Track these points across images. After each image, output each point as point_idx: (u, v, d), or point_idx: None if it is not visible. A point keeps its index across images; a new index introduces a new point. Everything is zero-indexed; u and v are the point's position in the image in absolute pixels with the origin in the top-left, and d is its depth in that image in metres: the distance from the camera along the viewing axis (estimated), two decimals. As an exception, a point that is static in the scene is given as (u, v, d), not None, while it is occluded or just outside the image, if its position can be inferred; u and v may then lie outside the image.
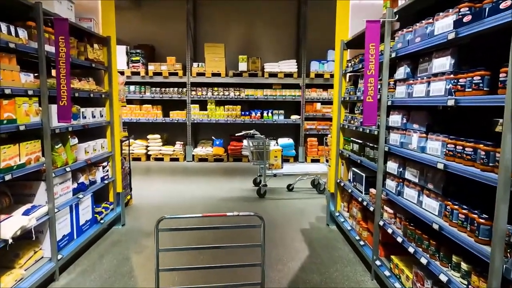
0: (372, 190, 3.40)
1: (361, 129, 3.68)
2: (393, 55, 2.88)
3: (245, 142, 8.94)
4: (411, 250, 2.55)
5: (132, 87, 9.29)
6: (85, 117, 3.82)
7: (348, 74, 4.40)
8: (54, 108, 3.11)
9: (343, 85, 4.40)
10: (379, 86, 3.02)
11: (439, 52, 2.34)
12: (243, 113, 9.31)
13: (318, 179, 6.59)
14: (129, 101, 9.50)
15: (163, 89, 9.31)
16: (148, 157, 9.33)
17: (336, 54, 4.43)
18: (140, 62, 9.10)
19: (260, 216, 2.52)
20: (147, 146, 9.34)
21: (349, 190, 4.03)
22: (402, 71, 2.81)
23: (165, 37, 9.68)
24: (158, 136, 9.39)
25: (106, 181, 4.31)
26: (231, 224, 2.66)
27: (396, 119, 2.87)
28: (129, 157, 5.55)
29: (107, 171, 4.36)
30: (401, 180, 2.83)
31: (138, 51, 9.11)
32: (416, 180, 2.58)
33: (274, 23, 9.75)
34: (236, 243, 2.81)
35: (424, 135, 2.51)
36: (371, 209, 3.34)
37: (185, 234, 4.16)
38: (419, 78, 2.57)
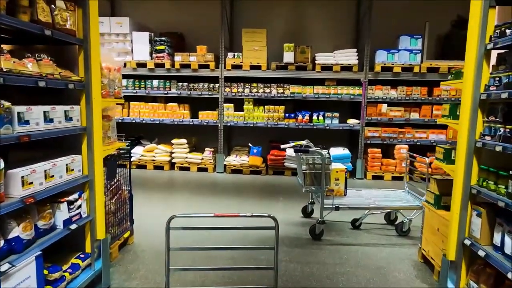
0: None
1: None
2: None
3: (288, 151, 7.10)
4: None
5: (155, 82, 7.78)
6: (26, 122, 2.19)
7: (496, 52, 2.45)
8: None
9: (484, 72, 2.44)
10: None
11: None
12: (287, 115, 7.48)
13: (396, 213, 4.64)
14: (153, 99, 8.09)
15: (191, 84, 7.70)
16: (172, 165, 7.78)
17: (473, 16, 2.48)
18: (166, 52, 7.54)
19: (273, 217, 2.47)
20: (172, 153, 7.79)
21: (508, 273, 2.08)
22: None
23: (195, 23, 8.06)
24: (184, 141, 7.78)
25: (76, 224, 2.67)
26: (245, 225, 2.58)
27: None
28: (130, 176, 3.92)
29: (79, 207, 2.73)
30: None
31: (163, 38, 7.57)
32: None
33: (328, 2, 7.81)
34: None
35: None
36: None
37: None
38: None
